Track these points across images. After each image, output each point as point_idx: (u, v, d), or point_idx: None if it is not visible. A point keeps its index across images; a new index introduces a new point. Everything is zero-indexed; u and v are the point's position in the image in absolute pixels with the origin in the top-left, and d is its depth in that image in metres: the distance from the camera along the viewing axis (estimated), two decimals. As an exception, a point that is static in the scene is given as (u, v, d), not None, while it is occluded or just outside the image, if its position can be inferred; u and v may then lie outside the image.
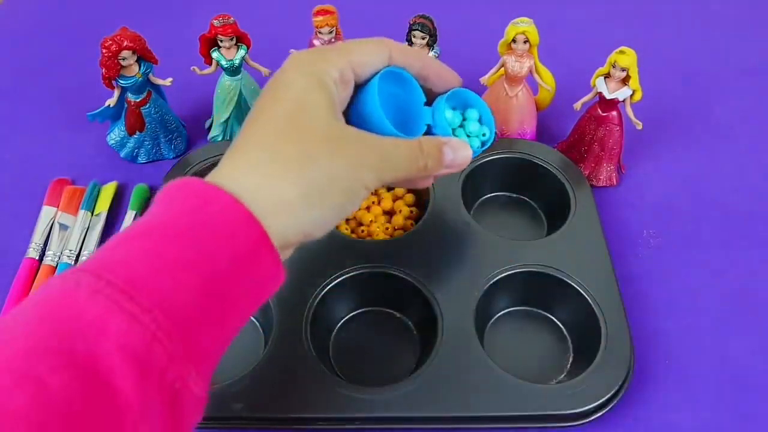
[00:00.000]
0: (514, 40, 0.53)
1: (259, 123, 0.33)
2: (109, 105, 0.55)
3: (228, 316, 0.30)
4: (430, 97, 0.40)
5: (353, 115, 0.36)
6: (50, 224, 0.53)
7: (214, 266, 0.29)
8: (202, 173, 0.52)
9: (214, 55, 0.55)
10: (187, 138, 0.60)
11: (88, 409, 0.24)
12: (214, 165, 0.52)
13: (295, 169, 0.31)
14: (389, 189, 0.54)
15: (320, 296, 0.45)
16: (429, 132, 0.40)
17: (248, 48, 0.55)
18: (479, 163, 0.53)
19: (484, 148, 0.42)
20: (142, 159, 0.58)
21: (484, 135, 0.42)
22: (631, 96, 0.51)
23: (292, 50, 0.56)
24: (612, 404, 0.41)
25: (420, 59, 0.39)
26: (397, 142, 0.36)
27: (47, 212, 0.53)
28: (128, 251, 0.28)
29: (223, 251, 0.29)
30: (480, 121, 0.42)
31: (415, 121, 0.39)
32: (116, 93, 0.54)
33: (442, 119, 0.39)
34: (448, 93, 0.40)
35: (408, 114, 0.39)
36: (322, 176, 0.32)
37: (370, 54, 0.36)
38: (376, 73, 0.37)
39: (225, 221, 0.29)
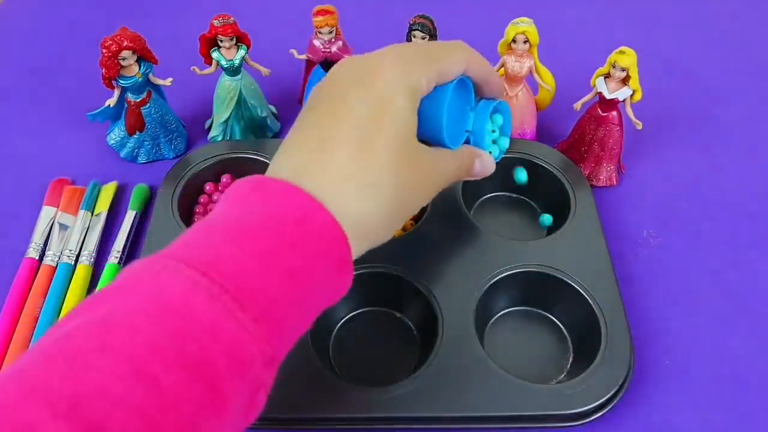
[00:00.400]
0: (514, 40, 0.53)
1: (346, 120, 0.32)
2: (109, 105, 0.55)
3: (305, 324, 0.32)
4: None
5: (418, 117, 0.36)
6: (50, 224, 0.53)
7: (310, 281, 0.30)
8: (202, 173, 0.54)
9: (214, 55, 0.55)
10: (187, 138, 0.60)
11: (195, 410, 0.25)
12: (214, 165, 0.54)
13: (388, 195, 0.32)
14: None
15: (320, 296, 0.45)
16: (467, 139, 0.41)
17: (248, 48, 0.55)
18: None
19: (498, 159, 0.44)
20: (142, 159, 0.58)
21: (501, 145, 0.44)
22: (631, 96, 0.51)
23: (292, 50, 0.57)
24: (612, 404, 0.41)
25: (488, 70, 0.39)
26: (449, 157, 0.37)
27: (47, 212, 0.53)
28: (234, 253, 0.28)
29: (318, 268, 0.30)
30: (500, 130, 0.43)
31: (461, 126, 0.40)
32: (116, 93, 0.54)
33: (483, 130, 0.41)
34: (494, 104, 0.41)
35: (460, 117, 0.40)
36: (405, 200, 0.33)
37: (455, 65, 0.36)
38: (449, 81, 0.37)
39: (324, 241, 0.30)
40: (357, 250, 0.32)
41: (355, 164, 0.31)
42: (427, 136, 0.36)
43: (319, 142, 0.32)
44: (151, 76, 0.55)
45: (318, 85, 0.35)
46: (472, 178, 0.41)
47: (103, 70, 0.52)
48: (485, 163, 0.41)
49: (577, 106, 0.54)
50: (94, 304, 0.27)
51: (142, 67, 0.53)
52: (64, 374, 0.24)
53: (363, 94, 0.33)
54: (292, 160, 0.32)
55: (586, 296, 0.45)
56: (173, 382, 0.25)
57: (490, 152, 0.42)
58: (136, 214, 0.53)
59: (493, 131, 0.43)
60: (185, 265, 0.27)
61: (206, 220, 0.30)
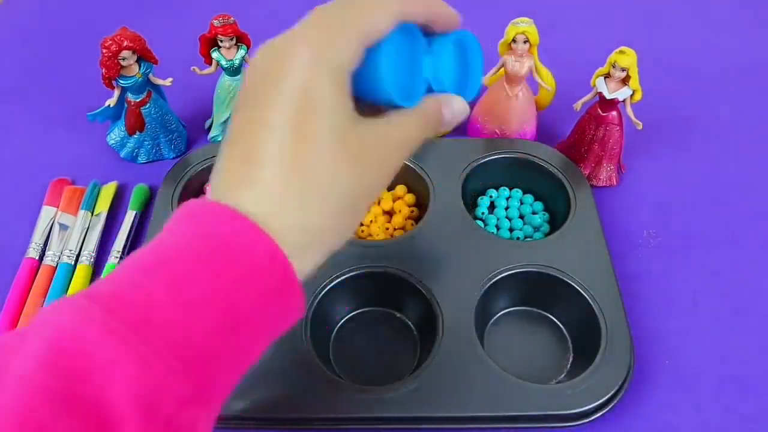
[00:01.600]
0: (514, 40, 0.53)
1: (270, 124, 0.29)
2: (109, 105, 0.55)
3: (246, 354, 0.29)
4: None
5: (357, 79, 0.32)
6: (50, 224, 0.53)
7: (237, 306, 0.27)
8: (202, 173, 0.54)
9: (214, 55, 0.55)
10: (187, 138, 0.60)
11: None
12: (214, 165, 0.54)
13: (335, 197, 0.29)
14: (389, 189, 0.54)
15: (320, 296, 0.45)
16: (429, 88, 0.35)
17: (248, 48, 0.55)
18: (480, 162, 0.53)
19: (472, 98, 0.37)
20: (142, 159, 0.58)
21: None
22: (631, 96, 0.51)
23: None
24: (612, 404, 0.41)
25: (431, 5, 0.34)
26: (409, 119, 0.33)
27: (47, 212, 0.53)
28: (147, 285, 0.26)
29: (249, 291, 0.27)
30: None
31: (415, 77, 0.35)
32: (116, 93, 0.54)
33: (443, 72, 0.35)
34: (451, 38, 0.35)
35: (410, 68, 0.35)
36: (350, 200, 0.30)
37: (381, 19, 0.31)
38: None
39: (256, 263, 0.28)
40: (310, 261, 0.30)
41: (289, 174, 0.29)
42: (378, 100, 0.32)
43: (245, 155, 0.29)
44: (151, 76, 0.55)
45: (242, 84, 0.32)
46: (450, 127, 0.35)
47: (103, 70, 0.52)
48: (455, 109, 0.35)
49: (577, 106, 0.54)
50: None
51: (142, 67, 0.53)
52: None
53: (282, 90, 0.29)
54: (221, 178, 0.30)
55: (586, 296, 0.45)
56: (63, 429, 0.23)
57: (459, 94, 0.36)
58: (136, 214, 0.53)
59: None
60: (87, 297, 0.26)
61: (145, 258, 0.28)
